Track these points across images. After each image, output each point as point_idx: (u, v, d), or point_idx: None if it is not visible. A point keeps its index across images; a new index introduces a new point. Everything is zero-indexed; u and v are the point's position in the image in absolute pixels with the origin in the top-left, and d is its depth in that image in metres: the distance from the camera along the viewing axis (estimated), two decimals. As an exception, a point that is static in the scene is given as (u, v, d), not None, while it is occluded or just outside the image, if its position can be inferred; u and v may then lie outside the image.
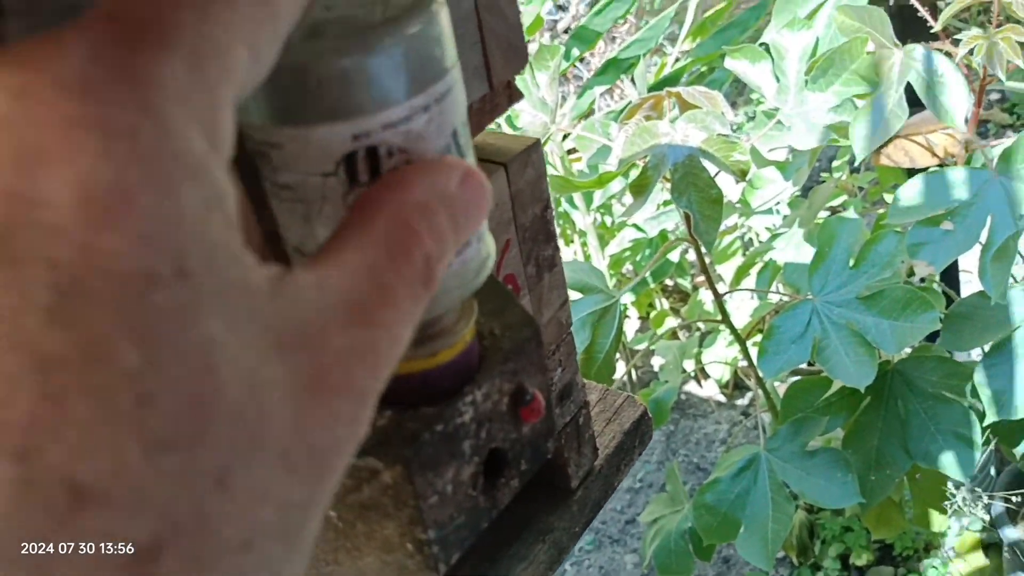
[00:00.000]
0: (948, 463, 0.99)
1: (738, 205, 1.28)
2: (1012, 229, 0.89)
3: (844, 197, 1.42)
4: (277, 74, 0.24)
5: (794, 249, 1.19)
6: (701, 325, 1.73)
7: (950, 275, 1.33)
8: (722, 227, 1.74)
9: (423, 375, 0.30)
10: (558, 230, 1.84)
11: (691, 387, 1.83)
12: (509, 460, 0.33)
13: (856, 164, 1.11)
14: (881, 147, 1.35)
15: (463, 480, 0.31)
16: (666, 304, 1.83)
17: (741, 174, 0.98)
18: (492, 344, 0.32)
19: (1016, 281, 1.00)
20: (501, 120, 1.59)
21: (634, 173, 1.03)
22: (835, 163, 1.60)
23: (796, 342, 0.98)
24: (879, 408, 1.04)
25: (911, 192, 0.94)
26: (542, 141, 1.20)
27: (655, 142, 1.01)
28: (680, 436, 1.76)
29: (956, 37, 1.02)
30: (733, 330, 1.16)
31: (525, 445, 0.34)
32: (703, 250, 1.11)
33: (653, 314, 1.81)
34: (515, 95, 0.40)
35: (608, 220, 1.65)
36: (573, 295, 1.04)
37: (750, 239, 1.74)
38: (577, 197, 1.55)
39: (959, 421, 0.99)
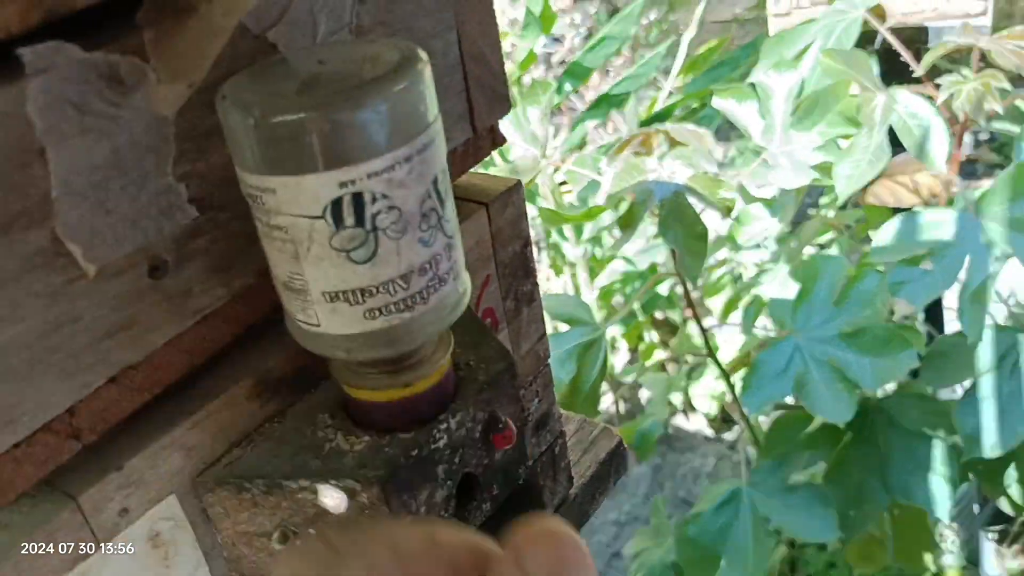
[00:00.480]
0: (926, 499, 1.01)
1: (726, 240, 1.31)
2: (988, 270, 0.91)
3: (832, 234, 1.45)
4: (272, 126, 0.26)
5: (780, 285, 1.22)
6: (689, 358, 1.76)
7: (934, 313, 1.35)
8: (713, 261, 1.78)
9: (401, 403, 0.32)
10: (548, 261, 1.87)
11: (679, 421, 1.85)
12: (481, 484, 0.35)
13: (843, 202, 1.14)
14: (868, 186, 1.39)
15: (436, 502, 0.33)
16: (656, 337, 1.86)
17: (726, 211, 1.01)
18: (468, 375, 0.35)
19: (995, 321, 1.03)
20: (494, 152, 1.62)
21: (623, 207, 1.06)
22: (823, 200, 1.63)
23: (778, 377, 1.01)
24: (860, 444, 1.07)
25: (890, 232, 0.97)
26: (533, 174, 1.22)
27: (643, 178, 1.04)
28: (667, 470, 1.78)
29: (938, 81, 1.06)
30: (718, 364, 1.18)
31: (497, 471, 0.36)
32: (688, 284, 1.14)
33: (642, 347, 1.83)
34: (499, 139, 0.43)
35: (598, 252, 1.68)
36: (561, 327, 1.06)
37: (740, 274, 1.77)
38: (568, 229, 1.58)
39: (937, 458, 1.02)
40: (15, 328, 0.26)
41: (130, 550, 0.30)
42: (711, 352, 1.17)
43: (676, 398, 1.78)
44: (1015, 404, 0.96)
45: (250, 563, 0.33)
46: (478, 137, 0.41)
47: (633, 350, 1.94)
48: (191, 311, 0.30)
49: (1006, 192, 0.93)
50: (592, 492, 0.54)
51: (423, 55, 0.28)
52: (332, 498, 0.31)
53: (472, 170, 0.43)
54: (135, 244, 0.28)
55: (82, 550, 0.29)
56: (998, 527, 1.42)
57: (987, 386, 0.94)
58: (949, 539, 1.21)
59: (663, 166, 1.04)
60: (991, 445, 0.95)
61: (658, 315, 2.00)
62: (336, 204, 0.27)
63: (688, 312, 1.95)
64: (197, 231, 0.30)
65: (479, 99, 0.40)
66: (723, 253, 1.62)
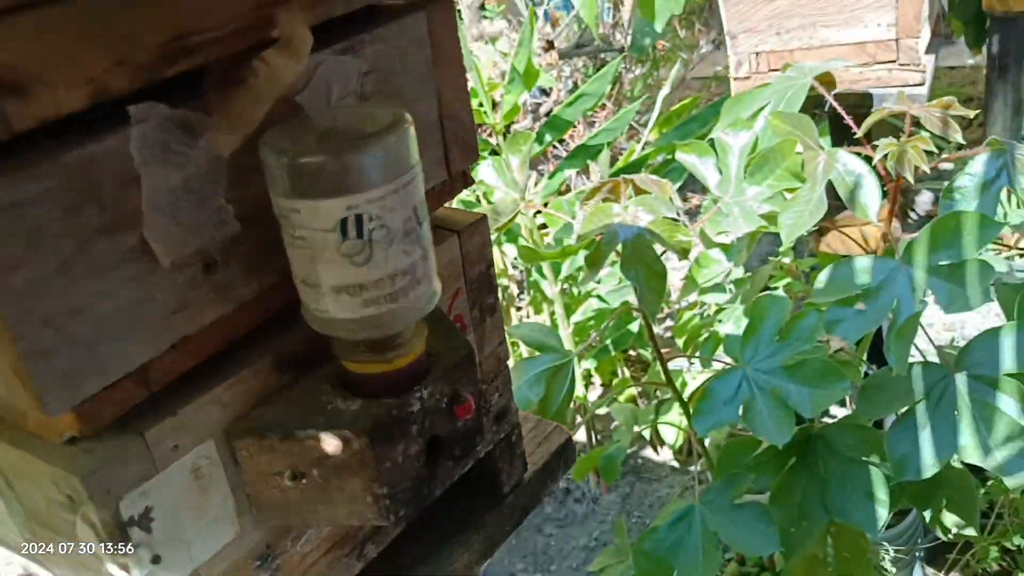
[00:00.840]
0: (859, 519, 1.10)
1: (683, 281, 1.42)
2: (912, 310, 1.03)
3: (787, 280, 1.56)
4: (300, 165, 0.37)
5: (735, 323, 1.33)
6: (659, 393, 1.86)
7: (877, 350, 1.46)
8: (684, 304, 1.88)
9: (385, 375, 0.42)
10: (529, 299, 1.98)
11: (648, 453, 1.94)
12: (445, 445, 0.45)
13: (794, 249, 1.26)
14: (822, 235, 1.51)
15: (411, 454, 0.43)
16: (627, 372, 1.96)
17: (683, 253, 1.12)
18: (437, 359, 0.45)
19: (923, 358, 1.13)
20: (480, 194, 1.74)
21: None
22: (781, 248, 1.75)
23: (727, 403, 1.11)
24: (802, 468, 1.16)
25: (828, 276, 1.08)
26: (512, 215, 1.33)
27: (609, 221, 1.15)
28: (635, 498, 1.87)
29: (875, 143, 1.18)
30: (678, 394, 1.28)
31: (459, 436, 0.46)
32: (654, 323, 1.24)
33: (615, 381, 1.93)
34: (468, 181, 0.54)
35: (575, 291, 1.79)
36: (532, 352, 1.16)
37: (708, 315, 1.88)
38: (546, 268, 1.69)
39: (870, 482, 1.12)
40: (112, 302, 0.36)
41: (178, 478, 0.40)
42: (670, 381, 1.27)
43: (646, 432, 1.87)
44: (938, 432, 1.06)
45: (266, 497, 0.43)
46: (452, 179, 0.52)
47: (606, 385, 2.03)
48: (232, 299, 0.41)
49: (927, 243, 1.05)
50: (544, 479, 0.63)
51: (408, 117, 0.39)
52: (331, 445, 0.41)
53: (448, 205, 0.54)
54: (195, 246, 0.39)
55: (145, 473, 0.38)
56: (944, 553, 1.51)
57: (916, 416, 1.05)
58: (885, 558, 1.30)
59: (627, 211, 1.15)
60: (916, 470, 1.05)
61: (632, 353, 2.11)
62: (344, 222, 0.38)
63: (666, 349, 2.05)
64: (239, 240, 0.40)
65: (453, 149, 0.51)
66: (692, 296, 1.73)
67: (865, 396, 1.13)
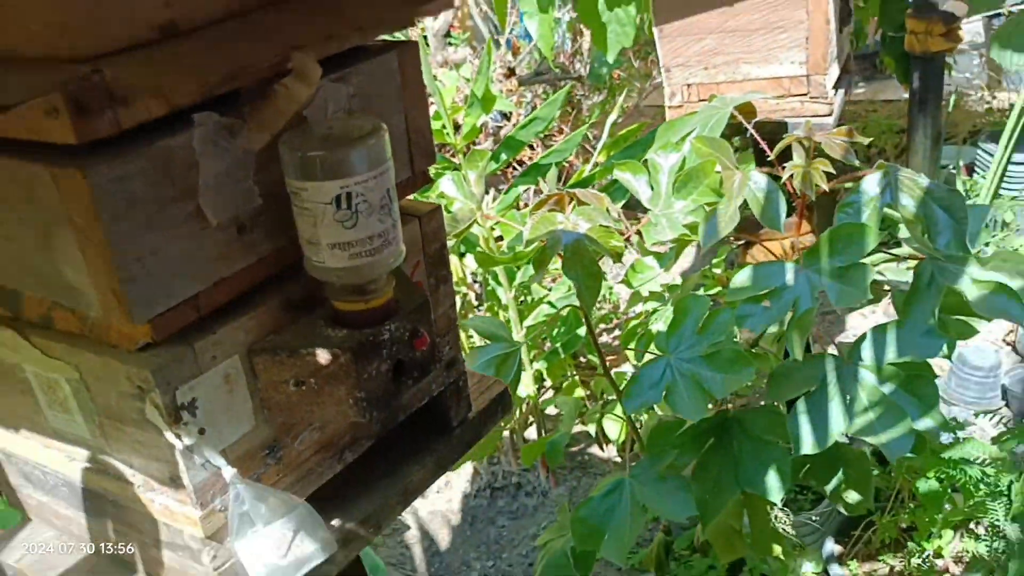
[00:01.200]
0: (765, 490, 1.28)
1: (620, 283, 1.60)
2: (809, 305, 1.21)
3: (718, 288, 1.76)
4: (308, 157, 0.54)
5: (664, 322, 1.52)
6: (605, 394, 2.03)
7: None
8: (631, 313, 2.06)
9: (363, 312, 0.59)
10: (486, 306, 2.15)
11: (594, 450, 2.12)
12: (407, 368, 0.62)
13: (732, 260, 1.44)
14: (748, 248, 1.70)
15: (382, 371, 0.60)
16: (576, 375, 2.14)
17: (616, 256, 1.31)
18: (402, 304, 0.62)
19: (823, 350, 1.32)
20: (442, 205, 1.91)
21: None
22: (715, 260, 1.95)
23: (653, 387, 1.28)
24: (719, 447, 1.34)
25: (742, 278, 1.27)
26: (470, 223, 1.52)
27: (553, 228, 1.33)
28: (582, 492, 2.04)
29: (785, 164, 1.37)
30: (619, 392, 1.46)
31: (417, 362, 0.63)
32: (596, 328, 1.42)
33: (565, 383, 2.11)
34: (427, 179, 0.71)
35: (528, 298, 1.97)
36: (483, 342, 1.33)
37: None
38: (501, 276, 1.86)
39: (775, 458, 1.30)
40: (178, 248, 0.53)
41: (215, 380, 0.56)
42: (610, 377, 1.45)
43: (592, 430, 2.04)
44: (824, 413, 1.24)
45: (275, 401, 0.60)
46: (415, 176, 0.69)
47: (556, 387, 2.21)
48: (256, 254, 0.58)
49: (823, 250, 1.24)
50: (484, 419, 0.80)
51: (384, 126, 0.56)
52: (324, 358, 0.58)
53: (411, 196, 0.71)
54: (233, 213, 0.55)
55: (193, 374, 0.55)
56: (851, 530, 1.70)
57: (811, 398, 1.23)
58: (785, 522, 1.47)
59: (569, 220, 1.33)
60: (809, 444, 1.23)
61: (582, 359, 2.28)
62: (338, 197, 0.55)
63: (612, 356, 2.23)
64: (262, 210, 0.57)
65: (416, 153, 0.69)
66: (639, 307, 1.92)
67: (774, 382, 1.32)
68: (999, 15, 3.18)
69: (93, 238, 0.49)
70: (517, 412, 2.02)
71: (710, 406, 1.27)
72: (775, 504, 1.33)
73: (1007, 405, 2.21)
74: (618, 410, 1.95)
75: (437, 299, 0.73)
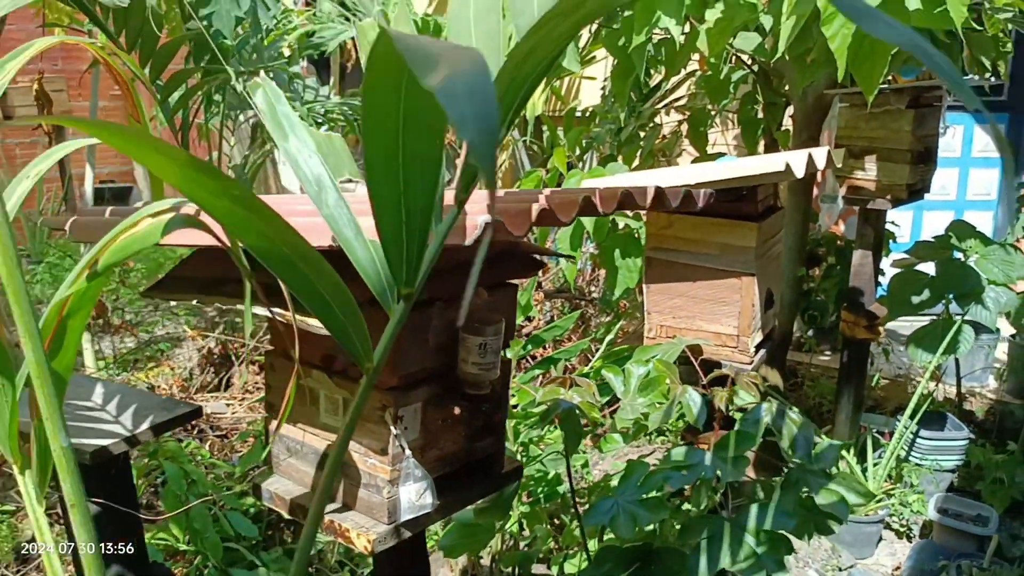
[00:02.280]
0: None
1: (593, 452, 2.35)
2: (710, 476, 1.97)
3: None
4: (470, 327, 1.35)
5: (618, 478, 2.25)
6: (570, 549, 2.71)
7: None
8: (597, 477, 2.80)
9: (477, 396, 1.37)
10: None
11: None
12: (488, 429, 1.39)
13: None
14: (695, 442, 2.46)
15: (479, 425, 1.37)
16: (548, 527, 2.82)
17: (595, 422, 2.07)
18: (494, 393, 1.40)
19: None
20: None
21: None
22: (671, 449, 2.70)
23: (605, 514, 2.01)
24: (642, 568, 2.05)
25: (677, 454, 2.03)
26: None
27: (556, 398, 2.11)
28: None
29: (712, 388, 2.16)
30: (577, 513, 2.17)
31: (492, 427, 1.40)
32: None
33: (541, 532, 2.79)
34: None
35: (527, 456, 2.70)
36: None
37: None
38: (509, 432, 2.61)
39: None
40: (419, 350, 1.31)
41: (411, 409, 1.33)
42: (576, 507, 2.17)
43: (555, 571, 2.71)
44: (718, 554, 1.96)
45: (431, 427, 1.36)
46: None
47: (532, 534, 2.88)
48: (442, 362, 1.37)
49: (726, 443, 2.01)
50: (509, 475, 1.55)
51: (503, 319, 1.37)
52: (456, 412, 1.35)
53: (500, 352, 1.51)
54: (439, 345, 1.35)
55: (403, 404, 1.32)
56: None
57: (710, 543, 1.95)
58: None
59: (568, 395, 2.11)
60: (704, 572, 1.94)
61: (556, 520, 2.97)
62: (481, 344, 1.34)
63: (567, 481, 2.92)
64: (448, 345, 1.37)
65: (505, 336, 1.49)
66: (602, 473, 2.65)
67: (684, 530, 2.05)
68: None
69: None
70: (500, 543, 2.70)
71: (639, 541, 2.00)
72: None
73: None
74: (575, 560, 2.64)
75: (504, 399, 1.51)
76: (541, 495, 2.67)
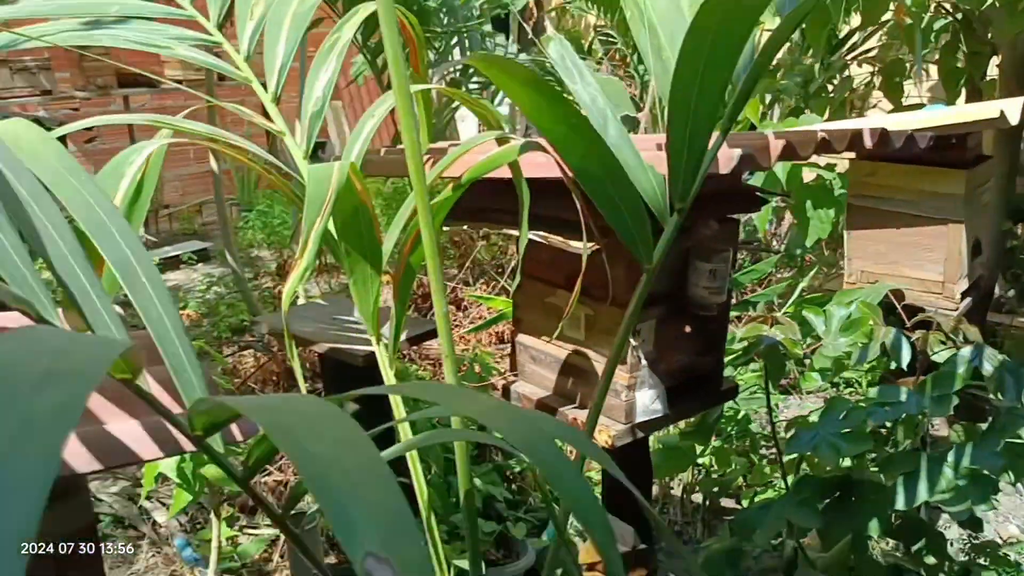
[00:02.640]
0: (868, 528, 2.10)
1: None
2: (914, 413, 2.06)
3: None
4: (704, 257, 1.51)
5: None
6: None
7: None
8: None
9: (706, 315, 1.54)
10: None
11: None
12: (711, 345, 1.55)
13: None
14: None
15: (705, 342, 1.54)
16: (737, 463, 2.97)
17: (796, 355, 2.20)
18: (717, 315, 1.56)
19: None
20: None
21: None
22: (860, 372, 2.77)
23: (807, 442, 2.14)
24: (842, 497, 2.17)
25: (876, 392, 2.13)
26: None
27: (760, 333, 2.24)
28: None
29: (915, 331, 2.23)
30: (780, 450, 2.30)
31: (714, 341, 1.56)
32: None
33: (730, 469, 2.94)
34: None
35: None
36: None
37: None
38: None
39: (877, 509, 2.12)
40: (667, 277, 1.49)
41: (648, 325, 1.51)
42: (776, 441, 2.30)
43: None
44: (916, 487, 2.05)
45: (665, 341, 1.54)
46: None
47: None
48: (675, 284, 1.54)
49: (928, 384, 2.09)
50: (728, 391, 1.71)
51: (730, 250, 1.52)
52: (688, 328, 1.52)
53: (723, 280, 1.66)
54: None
55: (643, 320, 1.50)
56: None
57: (908, 478, 2.04)
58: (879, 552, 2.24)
59: (771, 331, 2.24)
60: (901, 503, 2.04)
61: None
62: (711, 270, 1.50)
63: (767, 412, 3.05)
64: (683, 268, 1.54)
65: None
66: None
67: (886, 464, 2.15)
68: None
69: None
70: (691, 475, 2.87)
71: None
72: (871, 537, 2.13)
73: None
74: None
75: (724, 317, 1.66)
76: (732, 432, 2.81)
